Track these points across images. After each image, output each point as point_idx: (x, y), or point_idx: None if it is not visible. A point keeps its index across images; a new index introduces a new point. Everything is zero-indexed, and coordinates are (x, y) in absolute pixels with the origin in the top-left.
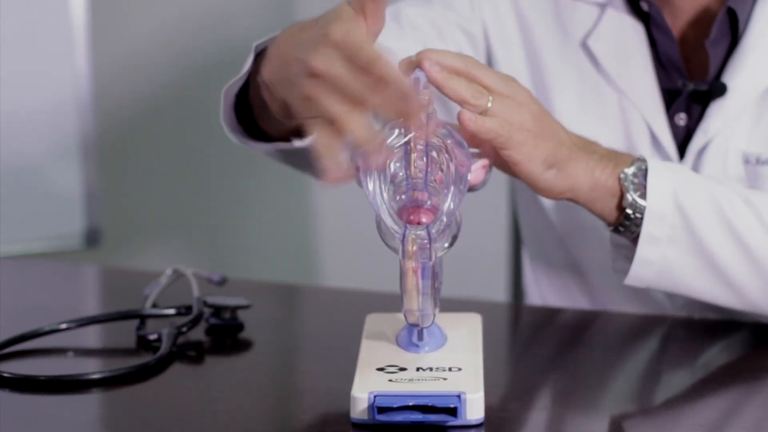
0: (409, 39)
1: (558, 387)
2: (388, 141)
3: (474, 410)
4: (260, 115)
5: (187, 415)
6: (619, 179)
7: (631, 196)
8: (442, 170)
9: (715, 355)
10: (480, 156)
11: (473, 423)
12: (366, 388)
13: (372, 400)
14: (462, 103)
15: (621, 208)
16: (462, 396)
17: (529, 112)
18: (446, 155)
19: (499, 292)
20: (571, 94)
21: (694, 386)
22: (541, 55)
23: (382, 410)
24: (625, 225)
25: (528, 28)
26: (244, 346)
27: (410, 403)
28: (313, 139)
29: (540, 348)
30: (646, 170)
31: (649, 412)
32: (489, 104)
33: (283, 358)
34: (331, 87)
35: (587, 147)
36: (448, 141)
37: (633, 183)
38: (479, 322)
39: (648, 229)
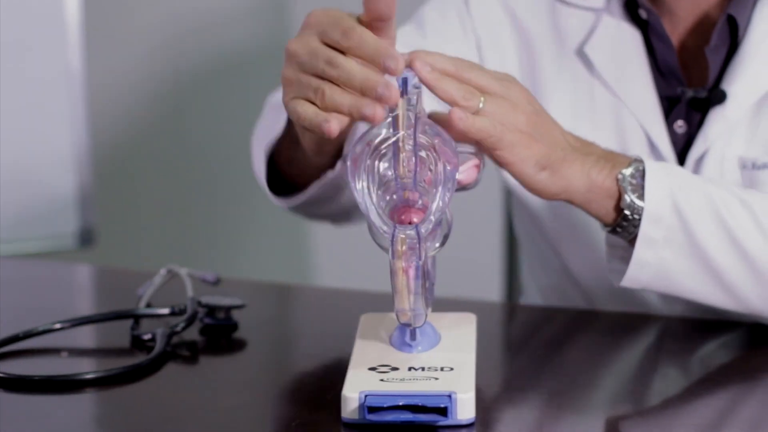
0: None
1: (552, 386)
2: (376, 141)
3: (465, 410)
4: (289, 160)
5: (181, 415)
6: (617, 180)
7: (629, 197)
8: (431, 170)
9: (711, 355)
10: (474, 154)
11: (464, 423)
12: (357, 388)
13: (362, 400)
14: (453, 103)
15: (618, 209)
16: (453, 396)
17: (523, 113)
18: (434, 154)
19: (493, 292)
20: (566, 101)
21: (690, 386)
22: (536, 62)
23: (372, 410)
24: (623, 226)
25: (523, 33)
26: (239, 345)
27: (400, 403)
28: (300, 113)
29: (534, 347)
30: (643, 171)
31: (644, 411)
32: (481, 105)
33: (277, 358)
34: (300, 64)
35: (584, 148)
36: (436, 140)
37: (631, 184)
38: (473, 322)
39: (645, 231)
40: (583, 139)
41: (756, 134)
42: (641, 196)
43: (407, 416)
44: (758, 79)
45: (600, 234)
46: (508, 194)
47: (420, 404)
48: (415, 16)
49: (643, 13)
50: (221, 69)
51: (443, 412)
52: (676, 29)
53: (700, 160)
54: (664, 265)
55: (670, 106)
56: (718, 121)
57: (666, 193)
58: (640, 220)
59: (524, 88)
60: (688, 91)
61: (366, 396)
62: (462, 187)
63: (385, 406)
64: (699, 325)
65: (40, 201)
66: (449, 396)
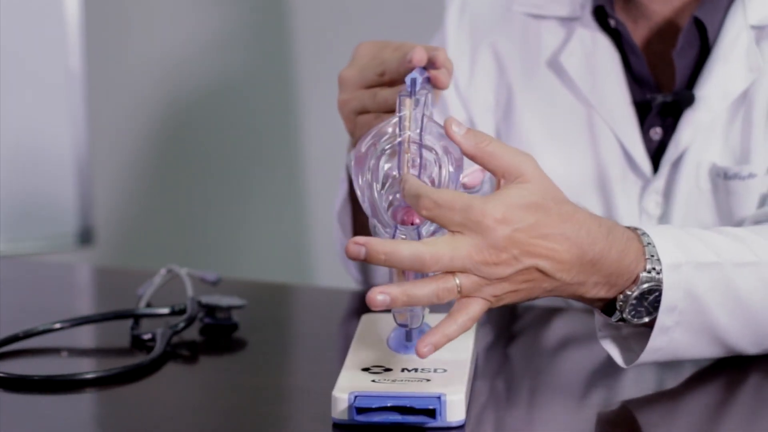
0: None
1: (550, 386)
2: (382, 140)
3: (454, 412)
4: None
5: (181, 415)
6: (617, 298)
7: (626, 316)
8: (434, 172)
9: None
10: None
11: (454, 425)
12: (347, 388)
13: (352, 401)
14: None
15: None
16: (442, 397)
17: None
18: (439, 156)
19: None
20: (538, 114)
21: (685, 382)
22: (507, 78)
23: (361, 410)
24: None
25: (494, 54)
26: (238, 345)
27: (389, 404)
28: (359, 123)
29: (534, 347)
30: (652, 290)
31: (639, 410)
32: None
33: (277, 358)
34: (353, 84)
35: (590, 268)
36: (442, 142)
37: (631, 304)
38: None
39: (662, 321)
40: (599, 245)
41: (728, 142)
42: (640, 315)
43: (396, 417)
44: (729, 82)
45: None
46: None
47: (409, 405)
48: None
49: (612, 22)
50: (222, 69)
51: (432, 413)
52: (646, 34)
53: (675, 166)
54: (673, 344)
55: (645, 113)
56: (689, 125)
57: (682, 290)
58: (635, 323)
59: (541, 189)
60: (658, 96)
61: (356, 397)
62: (469, 189)
63: (373, 407)
64: None
65: (40, 201)
66: (438, 398)
